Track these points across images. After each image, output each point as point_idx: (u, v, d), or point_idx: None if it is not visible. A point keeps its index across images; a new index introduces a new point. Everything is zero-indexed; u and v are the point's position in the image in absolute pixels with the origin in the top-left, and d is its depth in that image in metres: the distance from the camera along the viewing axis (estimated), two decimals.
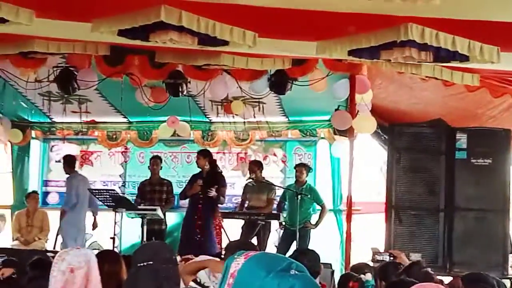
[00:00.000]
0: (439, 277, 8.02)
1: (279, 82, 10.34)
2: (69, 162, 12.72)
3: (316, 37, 6.93)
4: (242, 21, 6.49)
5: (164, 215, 11.90)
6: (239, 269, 2.55)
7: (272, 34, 7.06)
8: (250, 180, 12.23)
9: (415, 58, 6.67)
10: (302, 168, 12.22)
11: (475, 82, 9.21)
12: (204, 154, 11.88)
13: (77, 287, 3.99)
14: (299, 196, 11.28)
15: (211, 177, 11.63)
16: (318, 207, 12.18)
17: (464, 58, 6.91)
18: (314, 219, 12.10)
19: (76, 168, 13.19)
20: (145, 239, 11.12)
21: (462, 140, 9.77)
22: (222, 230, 11.78)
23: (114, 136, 14.29)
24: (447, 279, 8.02)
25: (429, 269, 6.07)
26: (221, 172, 12.08)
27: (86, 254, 4.18)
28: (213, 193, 11.40)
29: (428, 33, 6.21)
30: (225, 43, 6.79)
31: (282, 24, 6.64)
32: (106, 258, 4.90)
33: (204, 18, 6.26)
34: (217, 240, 11.60)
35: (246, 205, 12.24)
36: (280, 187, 12.53)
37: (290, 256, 3.79)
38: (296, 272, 2.50)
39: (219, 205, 11.81)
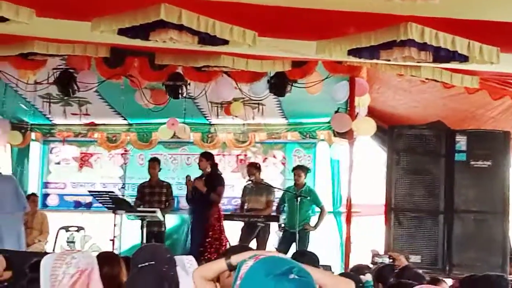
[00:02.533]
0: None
1: (279, 84, 10.36)
2: None
3: (316, 37, 6.93)
4: (242, 19, 6.49)
5: (164, 217, 11.90)
6: (246, 271, 2.63)
7: (272, 33, 7.07)
8: (249, 182, 12.23)
9: (414, 58, 6.66)
10: (299, 170, 12.21)
11: (474, 84, 9.21)
12: (206, 157, 11.94)
13: (81, 286, 4.01)
14: (298, 198, 11.28)
15: (210, 178, 11.66)
16: (317, 209, 12.18)
17: (464, 59, 6.90)
18: (313, 221, 12.10)
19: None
20: (144, 241, 11.12)
21: (461, 142, 9.75)
22: (223, 231, 11.75)
23: (113, 138, 14.30)
24: (448, 281, 8.00)
25: (420, 271, 6.09)
26: (221, 174, 12.09)
27: (91, 256, 4.23)
28: (199, 183, 11.43)
29: (427, 32, 6.21)
30: (225, 42, 6.79)
31: (282, 23, 6.64)
32: (106, 261, 4.90)
33: (204, 17, 6.26)
34: (218, 242, 11.59)
35: (245, 207, 12.24)
36: (279, 189, 12.54)
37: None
38: (296, 276, 2.55)
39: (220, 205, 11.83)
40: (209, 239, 11.41)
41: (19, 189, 12.30)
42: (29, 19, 6.37)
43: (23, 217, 12.25)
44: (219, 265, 3.45)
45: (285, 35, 7.28)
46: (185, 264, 4.98)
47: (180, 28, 6.33)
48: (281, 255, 3.10)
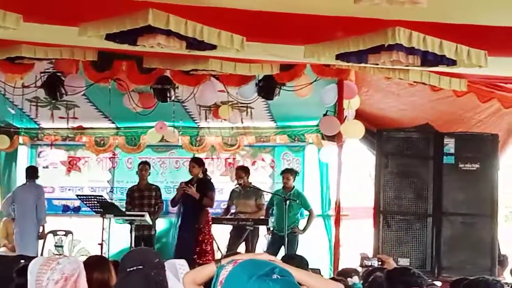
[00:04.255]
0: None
1: (267, 87, 10.36)
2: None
3: (304, 41, 6.92)
4: (229, 24, 6.48)
5: (153, 221, 11.88)
6: (226, 276, 2.60)
7: (260, 38, 7.05)
8: (237, 185, 12.23)
9: (402, 62, 6.67)
10: (288, 174, 12.20)
11: (462, 87, 9.23)
12: (199, 163, 11.95)
13: None
14: (287, 202, 11.26)
15: (202, 184, 11.65)
16: (306, 212, 12.17)
17: (452, 62, 6.91)
18: (301, 224, 12.09)
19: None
20: (133, 244, 11.09)
21: (449, 145, 9.78)
22: (212, 236, 11.73)
23: (102, 142, 14.26)
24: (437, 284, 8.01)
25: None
26: (211, 179, 12.08)
27: (77, 261, 4.16)
28: (191, 190, 11.41)
29: (415, 36, 6.21)
30: (213, 47, 6.77)
31: (270, 27, 6.63)
32: (95, 266, 4.87)
33: (191, 22, 6.24)
34: (208, 247, 11.56)
35: (233, 211, 12.22)
36: (267, 192, 12.51)
37: None
38: (278, 276, 2.53)
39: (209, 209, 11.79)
40: (199, 243, 11.39)
41: (40, 201, 12.40)
42: (16, 25, 6.32)
43: (38, 228, 12.39)
44: (210, 269, 3.39)
45: (273, 40, 7.28)
46: (177, 269, 4.95)
47: (168, 33, 6.30)
48: (270, 257, 3.06)
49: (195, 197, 11.44)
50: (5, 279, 5.34)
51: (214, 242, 11.78)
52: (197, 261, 10.80)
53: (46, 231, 12.94)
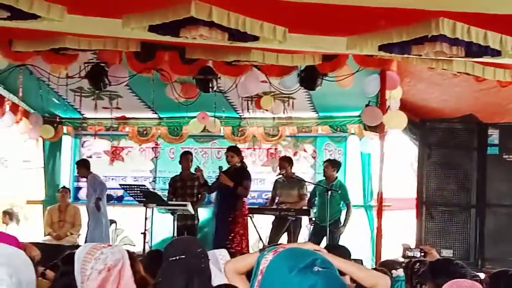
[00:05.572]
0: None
1: (309, 78, 10.32)
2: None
3: (347, 33, 6.90)
4: (272, 16, 6.48)
5: (196, 210, 11.93)
6: (267, 265, 2.57)
7: (302, 30, 7.04)
8: (280, 176, 12.22)
9: (446, 53, 6.62)
10: (328, 164, 12.18)
11: (507, 78, 9.13)
12: (237, 152, 11.93)
13: (112, 284, 3.99)
14: (329, 192, 11.24)
15: (239, 173, 11.67)
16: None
17: (496, 53, 6.84)
18: (343, 215, 12.03)
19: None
20: (176, 234, 11.15)
21: (494, 135, 9.69)
22: (247, 226, 11.71)
23: (144, 132, 14.37)
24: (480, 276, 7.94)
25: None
26: (247, 167, 12.08)
27: (121, 251, 4.16)
28: (224, 177, 11.44)
29: (459, 27, 6.15)
30: (255, 38, 6.78)
31: (313, 19, 6.62)
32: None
33: (234, 14, 6.26)
34: (242, 237, 11.57)
35: (276, 201, 12.23)
36: (310, 183, 12.51)
37: None
38: (320, 268, 2.48)
39: (245, 199, 11.78)
40: (232, 232, 11.40)
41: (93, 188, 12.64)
42: (61, 17, 6.41)
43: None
44: (252, 258, 3.30)
45: (315, 31, 7.26)
46: (218, 259, 4.98)
47: (211, 24, 6.33)
48: (315, 246, 3.03)
49: (229, 185, 11.46)
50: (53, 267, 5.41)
51: (256, 231, 11.75)
52: (230, 249, 10.83)
53: None
